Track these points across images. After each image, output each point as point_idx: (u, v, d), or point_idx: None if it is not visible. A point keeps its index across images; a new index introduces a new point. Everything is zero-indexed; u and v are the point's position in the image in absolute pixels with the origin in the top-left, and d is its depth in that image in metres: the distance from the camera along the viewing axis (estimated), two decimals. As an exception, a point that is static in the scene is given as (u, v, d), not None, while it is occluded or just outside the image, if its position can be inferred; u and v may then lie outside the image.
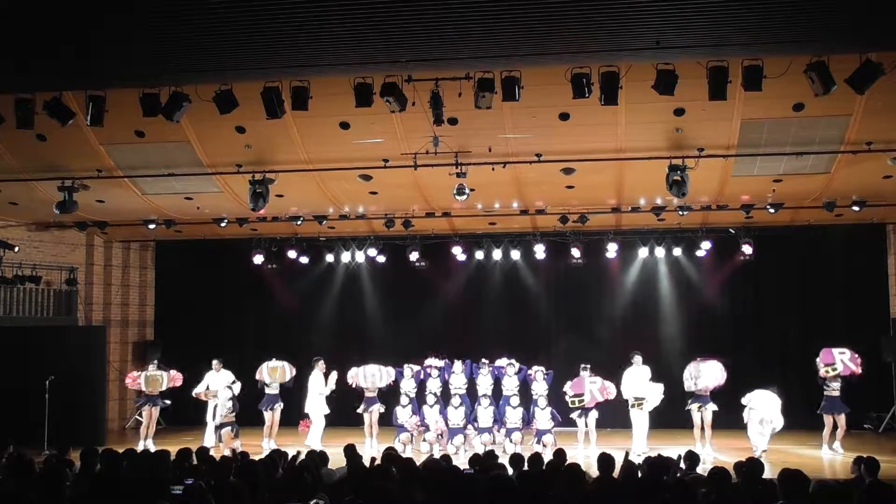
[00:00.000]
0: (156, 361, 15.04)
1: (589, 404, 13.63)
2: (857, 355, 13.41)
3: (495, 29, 7.40)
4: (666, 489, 6.45)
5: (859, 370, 13.32)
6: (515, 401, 13.60)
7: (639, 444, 13.23)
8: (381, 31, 7.37)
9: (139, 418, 17.43)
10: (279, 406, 14.48)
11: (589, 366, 13.91)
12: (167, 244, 17.76)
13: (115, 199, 13.83)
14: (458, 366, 14.27)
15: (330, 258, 17.00)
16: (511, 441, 13.15)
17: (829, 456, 12.99)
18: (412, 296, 17.24)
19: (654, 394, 13.53)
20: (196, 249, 17.23)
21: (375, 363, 14.58)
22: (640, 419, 13.46)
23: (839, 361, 13.44)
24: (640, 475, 7.27)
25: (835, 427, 13.31)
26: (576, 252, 15.68)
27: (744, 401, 13.10)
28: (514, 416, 13.45)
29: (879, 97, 9.67)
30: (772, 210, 13.73)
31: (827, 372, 13.41)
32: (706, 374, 13.35)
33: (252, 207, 11.81)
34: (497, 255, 16.44)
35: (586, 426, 13.70)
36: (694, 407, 13.40)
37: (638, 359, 13.72)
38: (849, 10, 7.12)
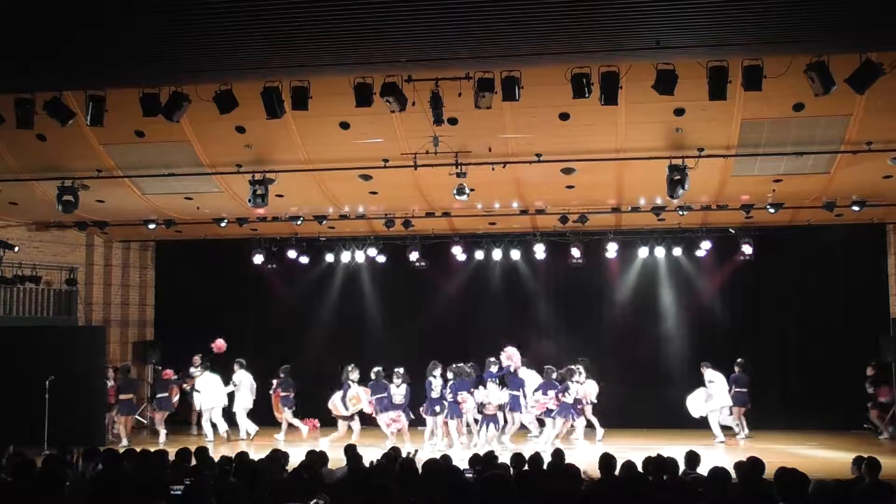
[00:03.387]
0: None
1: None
2: None
3: (495, 29, 7.40)
4: (666, 489, 6.45)
5: None
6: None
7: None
8: (381, 31, 7.37)
9: (140, 418, 17.44)
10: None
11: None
12: (167, 244, 17.75)
13: (115, 199, 13.82)
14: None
15: (330, 258, 16.98)
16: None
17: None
18: (412, 296, 17.23)
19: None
20: (196, 249, 17.21)
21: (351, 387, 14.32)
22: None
23: None
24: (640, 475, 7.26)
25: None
26: (576, 252, 15.65)
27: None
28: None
29: (879, 97, 9.67)
30: (772, 210, 13.72)
31: None
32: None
33: (251, 206, 11.82)
34: (497, 255, 16.42)
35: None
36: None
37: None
38: (849, 10, 7.12)
